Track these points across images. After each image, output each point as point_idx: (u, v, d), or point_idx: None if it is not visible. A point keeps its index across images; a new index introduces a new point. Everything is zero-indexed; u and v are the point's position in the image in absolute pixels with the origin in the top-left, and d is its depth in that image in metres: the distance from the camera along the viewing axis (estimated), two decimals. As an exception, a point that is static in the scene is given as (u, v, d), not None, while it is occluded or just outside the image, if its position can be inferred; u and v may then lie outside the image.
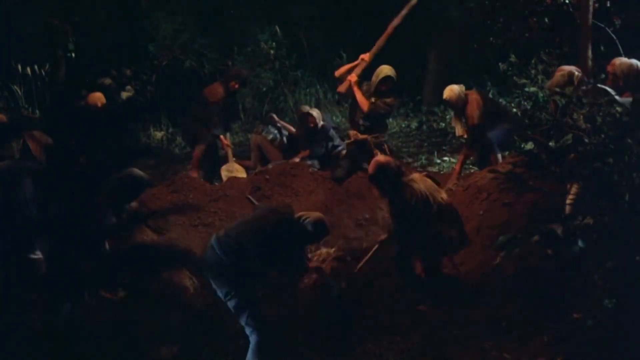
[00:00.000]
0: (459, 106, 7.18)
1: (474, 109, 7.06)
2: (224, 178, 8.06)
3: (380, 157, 5.66)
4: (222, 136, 8.32)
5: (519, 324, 4.63)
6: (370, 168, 5.48)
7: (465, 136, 7.31)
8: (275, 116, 8.73)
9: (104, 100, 7.55)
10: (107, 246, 5.47)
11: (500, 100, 10.00)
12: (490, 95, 10.12)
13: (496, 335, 4.63)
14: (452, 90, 7.17)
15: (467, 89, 7.35)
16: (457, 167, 7.32)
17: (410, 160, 8.99)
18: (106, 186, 5.35)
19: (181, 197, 7.04)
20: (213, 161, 8.37)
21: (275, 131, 8.45)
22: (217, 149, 8.46)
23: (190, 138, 8.59)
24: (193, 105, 8.45)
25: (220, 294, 4.79)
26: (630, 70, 5.61)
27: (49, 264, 5.30)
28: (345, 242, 6.74)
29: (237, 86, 8.31)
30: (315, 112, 8.25)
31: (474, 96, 7.18)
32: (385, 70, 7.33)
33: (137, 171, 5.54)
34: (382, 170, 5.38)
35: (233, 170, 8.16)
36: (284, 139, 8.44)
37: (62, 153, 6.19)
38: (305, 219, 4.83)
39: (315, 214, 4.93)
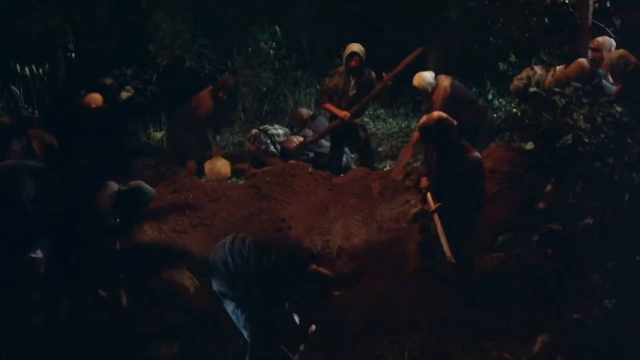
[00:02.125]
0: (428, 93, 7.24)
1: (439, 94, 7.17)
2: (207, 172, 8.11)
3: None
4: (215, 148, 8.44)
5: (519, 324, 4.63)
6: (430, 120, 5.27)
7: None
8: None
9: (99, 102, 7.46)
10: (117, 246, 5.48)
11: (501, 100, 10.00)
12: (491, 94, 10.14)
13: (496, 335, 4.63)
14: (421, 77, 7.27)
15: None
16: (409, 147, 7.55)
17: (410, 160, 8.98)
18: (111, 197, 5.38)
19: (181, 197, 7.04)
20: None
21: (267, 140, 8.44)
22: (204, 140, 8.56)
23: (179, 150, 8.61)
24: (182, 114, 8.47)
25: (218, 293, 4.78)
26: (618, 60, 5.68)
27: (49, 263, 5.30)
28: (345, 242, 6.74)
29: (225, 97, 8.31)
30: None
31: (443, 83, 7.25)
32: (353, 47, 7.68)
33: (143, 184, 5.60)
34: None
35: (217, 164, 8.20)
36: (277, 147, 8.44)
37: (62, 153, 6.19)
38: (314, 272, 4.68)
39: (325, 271, 4.78)
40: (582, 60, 5.98)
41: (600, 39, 6.46)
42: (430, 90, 7.22)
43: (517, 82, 6.26)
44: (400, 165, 7.44)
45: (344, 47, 7.93)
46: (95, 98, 7.48)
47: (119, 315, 5.35)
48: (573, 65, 5.95)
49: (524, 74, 6.14)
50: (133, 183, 5.65)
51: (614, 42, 6.47)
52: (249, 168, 8.37)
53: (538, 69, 6.28)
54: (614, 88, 5.72)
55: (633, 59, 5.84)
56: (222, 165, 8.29)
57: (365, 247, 6.62)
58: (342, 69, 7.84)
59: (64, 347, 5.03)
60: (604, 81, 5.92)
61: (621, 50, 5.95)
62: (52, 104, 10.02)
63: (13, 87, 10.08)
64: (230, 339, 5.14)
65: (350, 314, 5.28)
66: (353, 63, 7.67)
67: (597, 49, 6.45)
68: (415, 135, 7.31)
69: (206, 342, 5.17)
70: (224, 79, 8.68)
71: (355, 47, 7.69)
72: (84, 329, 5.17)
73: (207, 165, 8.26)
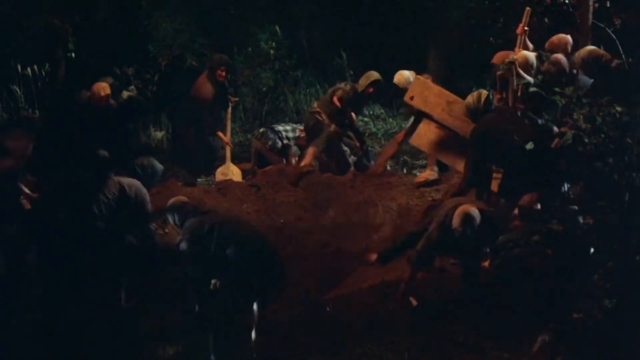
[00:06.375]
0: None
1: None
2: (218, 180, 8.00)
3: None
4: (220, 133, 8.21)
5: (519, 324, 4.63)
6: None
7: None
8: None
9: (108, 90, 7.41)
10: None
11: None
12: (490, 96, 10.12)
13: (496, 335, 4.63)
14: (401, 75, 7.39)
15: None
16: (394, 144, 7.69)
17: (409, 159, 8.99)
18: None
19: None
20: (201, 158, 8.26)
21: (275, 137, 8.43)
22: (210, 148, 8.36)
23: (183, 153, 8.39)
24: (183, 111, 8.28)
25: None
26: (589, 56, 5.63)
27: (48, 264, 5.29)
28: (345, 242, 6.74)
29: (224, 74, 8.03)
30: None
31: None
32: (376, 75, 7.86)
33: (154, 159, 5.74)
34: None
35: (228, 173, 8.06)
36: (284, 144, 8.41)
37: (63, 153, 6.19)
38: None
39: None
40: (559, 56, 5.92)
41: (555, 39, 6.31)
42: (408, 88, 7.26)
43: (470, 100, 6.12)
44: (382, 159, 7.72)
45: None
46: (104, 87, 7.41)
47: (120, 315, 5.35)
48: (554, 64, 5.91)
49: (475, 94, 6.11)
50: (144, 157, 5.81)
51: (570, 40, 6.32)
52: (254, 167, 8.36)
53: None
54: (590, 81, 5.70)
55: (602, 52, 5.80)
56: (234, 173, 8.11)
57: (365, 247, 6.61)
58: (352, 87, 7.93)
59: (63, 347, 5.03)
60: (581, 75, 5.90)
61: (589, 47, 5.90)
62: (52, 104, 10.02)
63: (14, 87, 10.09)
64: (230, 338, 5.14)
65: (350, 313, 5.28)
66: (371, 90, 7.87)
67: (552, 51, 6.19)
68: (400, 135, 7.57)
69: (206, 342, 5.17)
70: (218, 57, 8.36)
71: (378, 75, 7.86)
72: (84, 330, 5.17)
73: (219, 174, 8.11)
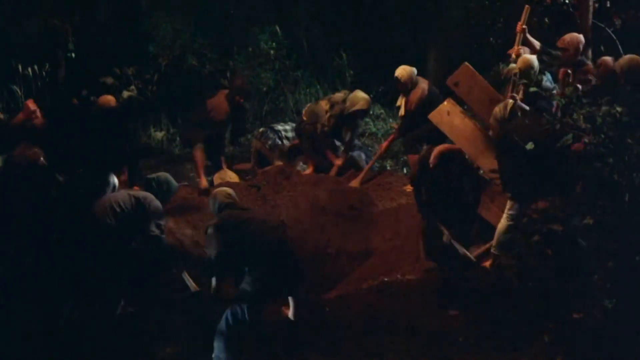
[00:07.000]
0: (407, 87, 7.30)
1: (417, 95, 7.24)
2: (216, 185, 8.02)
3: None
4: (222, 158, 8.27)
5: (519, 324, 4.63)
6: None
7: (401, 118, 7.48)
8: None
9: (113, 103, 7.41)
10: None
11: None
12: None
13: (496, 335, 4.63)
14: (405, 69, 7.33)
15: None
16: (384, 145, 7.84)
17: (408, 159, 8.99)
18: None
19: (181, 199, 7.04)
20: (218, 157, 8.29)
21: (275, 137, 8.43)
22: (221, 145, 8.39)
23: (188, 139, 8.45)
24: (194, 112, 8.28)
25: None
26: (630, 64, 5.56)
27: (50, 264, 5.30)
28: (343, 242, 6.74)
29: (242, 100, 8.08)
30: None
31: (422, 84, 7.31)
32: (362, 103, 7.72)
33: (169, 176, 5.72)
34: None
35: (226, 177, 8.11)
36: (284, 144, 8.42)
37: (65, 153, 6.19)
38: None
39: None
40: (608, 59, 5.87)
41: (567, 37, 6.27)
42: (409, 86, 7.24)
43: (497, 109, 5.96)
44: (380, 151, 7.93)
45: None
46: (110, 99, 7.45)
47: (120, 316, 5.35)
48: (600, 67, 5.85)
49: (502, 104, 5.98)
50: (160, 173, 5.81)
51: (582, 38, 6.30)
52: (254, 167, 8.36)
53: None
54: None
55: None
56: (231, 177, 8.14)
57: (365, 247, 6.62)
58: (340, 110, 7.82)
59: (64, 347, 5.03)
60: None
61: (630, 55, 5.82)
62: (52, 105, 10.02)
63: (14, 87, 10.09)
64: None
65: (351, 314, 5.29)
66: (354, 116, 7.79)
67: (565, 49, 6.20)
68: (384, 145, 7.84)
69: (206, 342, 5.17)
70: (241, 82, 8.39)
71: (366, 104, 7.77)
72: (84, 330, 5.17)
73: (217, 179, 8.15)
